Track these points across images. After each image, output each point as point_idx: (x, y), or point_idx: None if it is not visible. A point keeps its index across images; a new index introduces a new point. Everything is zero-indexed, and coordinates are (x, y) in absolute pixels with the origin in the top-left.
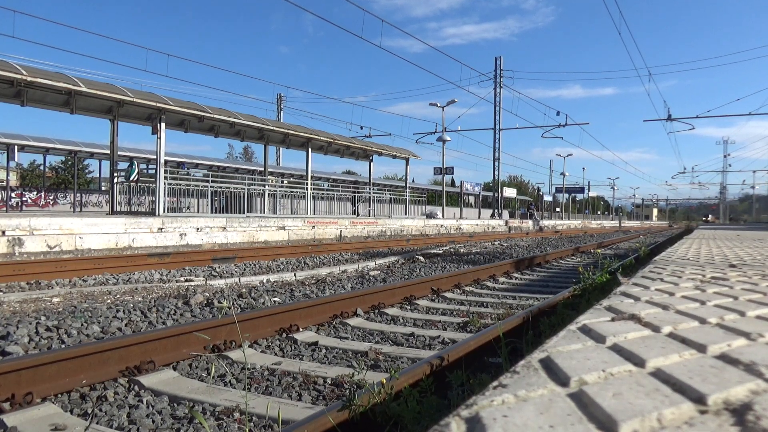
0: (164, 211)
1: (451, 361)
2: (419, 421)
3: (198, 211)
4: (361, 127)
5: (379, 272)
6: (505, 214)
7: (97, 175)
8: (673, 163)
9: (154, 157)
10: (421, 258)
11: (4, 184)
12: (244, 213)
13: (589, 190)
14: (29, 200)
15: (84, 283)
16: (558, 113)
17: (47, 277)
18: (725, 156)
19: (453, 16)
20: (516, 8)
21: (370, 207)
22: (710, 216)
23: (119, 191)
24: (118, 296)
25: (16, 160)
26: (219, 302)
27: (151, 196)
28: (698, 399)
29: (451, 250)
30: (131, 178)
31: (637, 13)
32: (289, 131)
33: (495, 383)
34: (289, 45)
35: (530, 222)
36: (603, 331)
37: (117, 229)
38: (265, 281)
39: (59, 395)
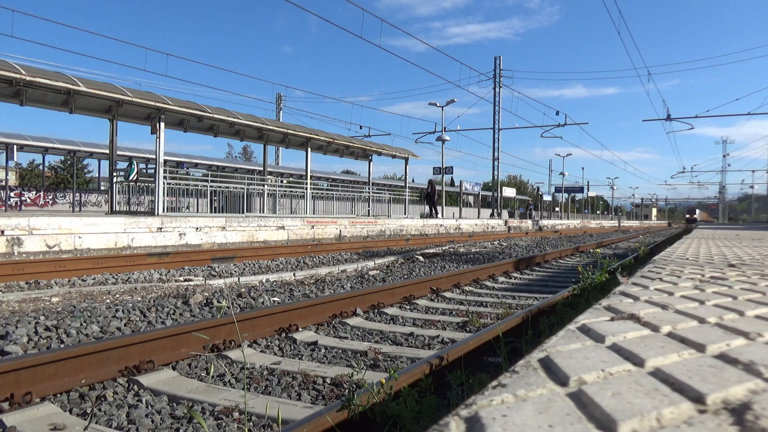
0: (163, 211)
1: (450, 361)
2: (418, 421)
3: (197, 211)
4: (361, 127)
5: (378, 272)
6: (505, 213)
7: (97, 175)
8: (673, 162)
9: (154, 156)
10: (421, 257)
11: (3, 183)
12: (243, 213)
13: (588, 190)
14: (28, 200)
15: (83, 283)
16: (557, 113)
17: (46, 277)
18: (724, 156)
19: (457, 15)
20: (520, 7)
21: (369, 207)
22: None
23: (118, 191)
24: (117, 296)
25: (15, 159)
26: (218, 302)
27: (151, 196)
28: (697, 398)
29: (451, 249)
30: (130, 178)
31: (637, 12)
32: (289, 131)
33: (494, 383)
34: (292, 44)
35: (529, 222)
36: (602, 330)
37: (116, 228)
38: (264, 281)
39: (58, 395)
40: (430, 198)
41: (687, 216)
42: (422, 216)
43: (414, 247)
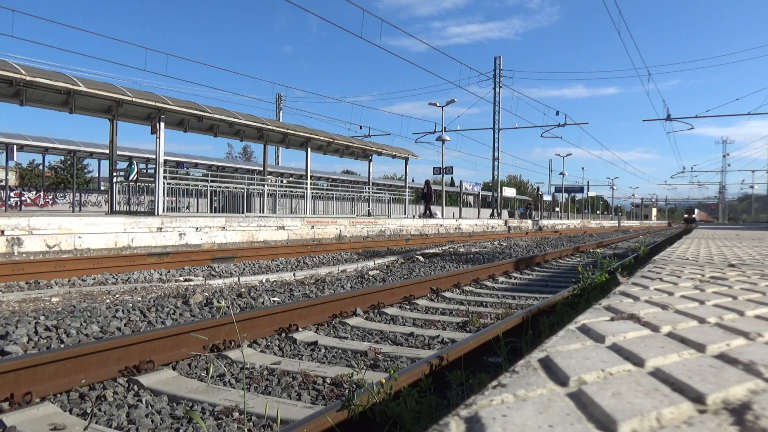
0: (163, 211)
1: (450, 361)
2: (418, 421)
3: (197, 211)
4: (361, 127)
5: (378, 272)
6: (505, 213)
7: (97, 175)
8: (673, 162)
9: (153, 156)
10: (421, 257)
11: (3, 183)
12: (243, 213)
13: (588, 190)
14: (28, 200)
15: (83, 283)
16: (557, 113)
17: (46, 277)
18: (724, 156)
19: (457, 15)
20: (521, 7)
21: (369, 207)
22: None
23: (118, 191)
24: (117, 296)
25: (15, 159)
26: (218, 302)
27: (151, 196)
28: (697, 398)
29: (451, 249)
30: (130, 178)
31: (637, 12)
32: (289, 131)
33: (494, 383)
34: (292, 44)
35: (529, 222)
36: (602, 330)
37: (116, 228)
38: (264, 281)
39: (58, 395)
40: (426, 198)
41: (685, 216)
42: (420, 216)
43: (414, 247)
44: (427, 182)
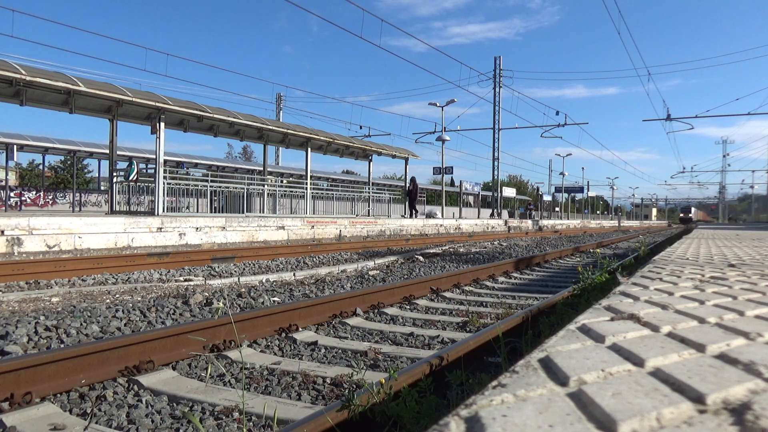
0: (163, 211)
1: (450, 361)
2: (418, 421)
3: (197, 211)
4: (361, 127)
5: (378, 272)
6: (505, 213)
7: (97, 175)
8: (673, 162)
9: (153, 156)
10: (421, 257)
11: (3, 183)
12: (243, 213)
13: (588, 190)
14: (28, 200)
15: (83, 283)
16: (557, 113)
17: (46, 277)
18: (724, 156)
19: (458, 15)
20: (522, 7)
21: (369, 207)
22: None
23: (118, 191)
24: (117, 296)
25: (15, 159)
26: (218, 302)
27: (151, 196)
28: (697, 398)
29: (451, 249)
30: (130, 178)
31: (637, 12)
32: (289, 131)
33: (494, 383)
34: (292, 44)
35: (529, 222)
36: (602, 330)
37: (116, 228)
38: (264, 281)
39: (58, 395)
40: (410, 196)
41: (681, 215)
42: (420, 216)
43: (414, 247)
44: (413, 180)
